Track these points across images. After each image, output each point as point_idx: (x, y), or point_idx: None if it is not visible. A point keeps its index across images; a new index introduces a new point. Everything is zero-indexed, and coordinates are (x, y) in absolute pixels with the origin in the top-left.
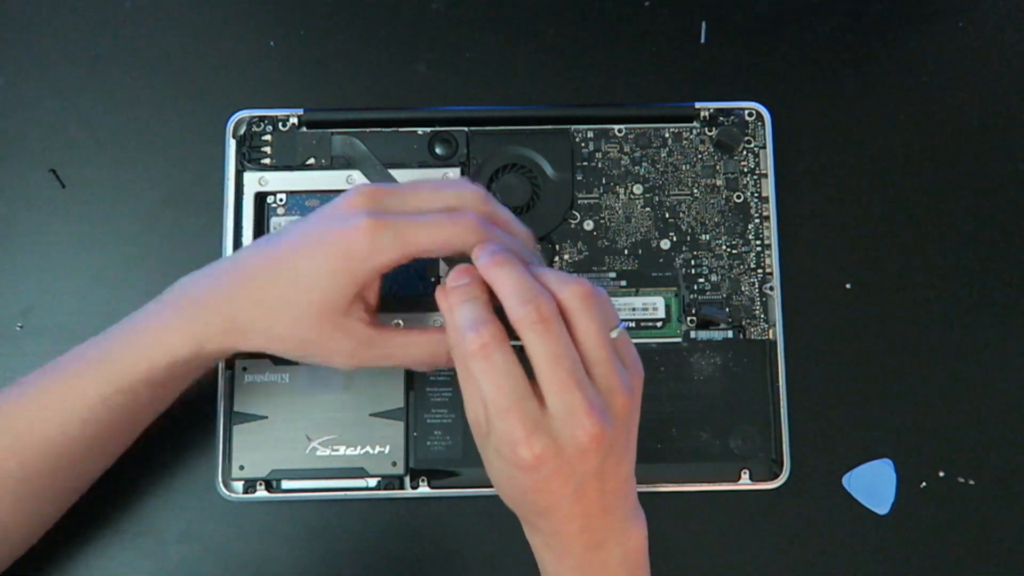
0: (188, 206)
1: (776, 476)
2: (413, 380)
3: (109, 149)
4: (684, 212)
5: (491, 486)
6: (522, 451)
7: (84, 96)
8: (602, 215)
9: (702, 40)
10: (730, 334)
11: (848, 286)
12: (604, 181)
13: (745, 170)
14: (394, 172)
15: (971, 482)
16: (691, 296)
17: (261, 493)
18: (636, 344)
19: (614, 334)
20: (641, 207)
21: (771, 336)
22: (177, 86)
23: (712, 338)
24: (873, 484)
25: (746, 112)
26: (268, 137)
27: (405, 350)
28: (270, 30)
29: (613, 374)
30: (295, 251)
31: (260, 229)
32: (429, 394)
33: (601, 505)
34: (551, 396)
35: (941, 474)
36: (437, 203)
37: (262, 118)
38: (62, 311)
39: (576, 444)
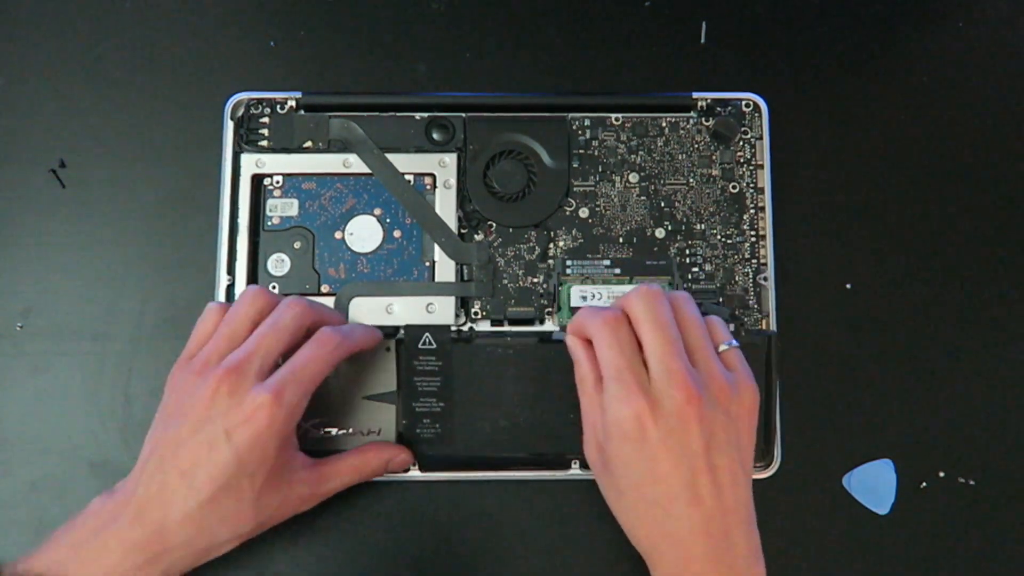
0: (187, 191)
1: (767, 459)
2: (401, 368)
3: (109, 142)
4: (679, 201)
5: (484, 468)
6: (628, 407)
7: (84, 93)
8: (598, 203)
9: (702, 40)
10: (731, 328)
11: (849, 286)
12: (600, 169)
13: (741, 160)
14: (390, 156)
15: (971, 482)
16: (685, 285)
17: None
18: None
19: (723, 347)
20: (637, 195)
21: (764, 326)
22: (176, 69)
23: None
24: (873, 484)
25: (743, 103)
26: (266, 120)
27: (360, 471)
28: (269, 18)
29: (711, 360)
30: (216, 482)
31: (256, 211)
32: (417, 383)
33: (723, 524)
34: (653, 360)
35: (941, 474)
36: (285, 333)
37: (260, 100)
38: (62, 311)
39: (674, 403)
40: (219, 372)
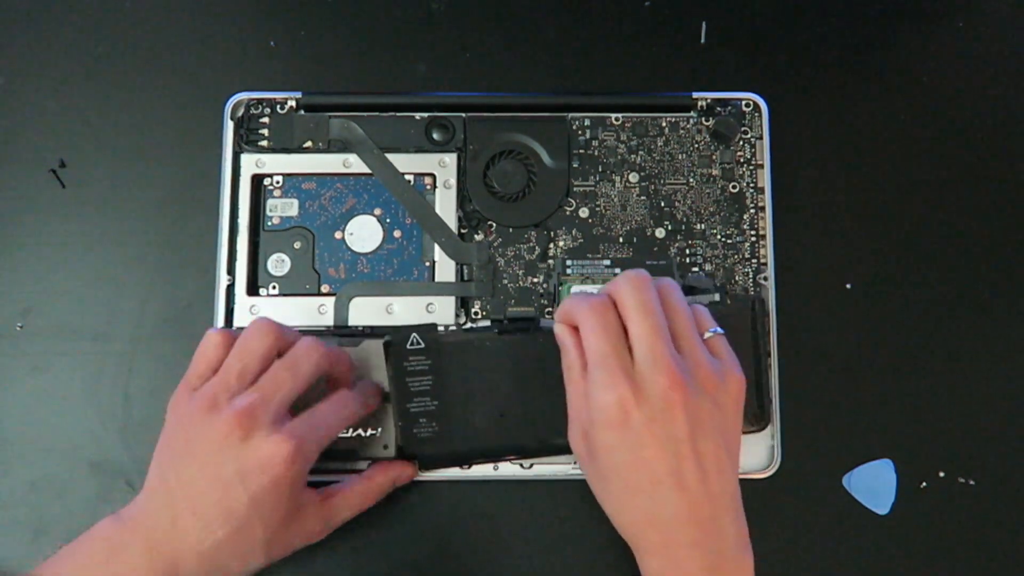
0: (187, 191)
1: (762, 423)
2: (391, 371)
3: (109, 142)
4: (679, 201)
5: (485, 460)
6: (611, 392)
7: (84, 93)
8: (598, 203)
9: (702, 40)
10: (716, 297)
11: (849, 286)
12: (600, 169)
13: (741, 160)
14: (390, 156)
15: (971, 482)
16: (684, 285)
17: None
18: None
19: (707, 334)
20: (637, 195)
21: (756, 306)
22: (176, 69)
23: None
24: (873, 484)
25: (743, 103)
26: (266, 120)
27: (367, 496)
28: (269, 18)
29: (696, 347)
30: (230, 524)
31: (256, 211)
32: (409, 384)
33: (710, 510)
34: (639, 345)
35: (941, 474)
36: (302, 381)
37: (260, 100)
38: (62, 311)
39: (658, 388)
40: (232, 414)
